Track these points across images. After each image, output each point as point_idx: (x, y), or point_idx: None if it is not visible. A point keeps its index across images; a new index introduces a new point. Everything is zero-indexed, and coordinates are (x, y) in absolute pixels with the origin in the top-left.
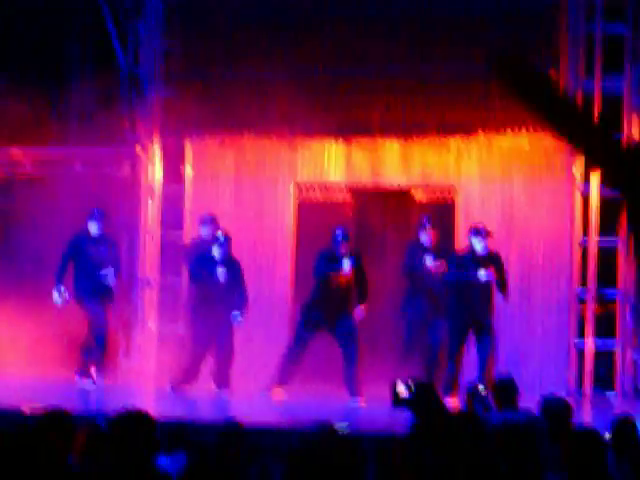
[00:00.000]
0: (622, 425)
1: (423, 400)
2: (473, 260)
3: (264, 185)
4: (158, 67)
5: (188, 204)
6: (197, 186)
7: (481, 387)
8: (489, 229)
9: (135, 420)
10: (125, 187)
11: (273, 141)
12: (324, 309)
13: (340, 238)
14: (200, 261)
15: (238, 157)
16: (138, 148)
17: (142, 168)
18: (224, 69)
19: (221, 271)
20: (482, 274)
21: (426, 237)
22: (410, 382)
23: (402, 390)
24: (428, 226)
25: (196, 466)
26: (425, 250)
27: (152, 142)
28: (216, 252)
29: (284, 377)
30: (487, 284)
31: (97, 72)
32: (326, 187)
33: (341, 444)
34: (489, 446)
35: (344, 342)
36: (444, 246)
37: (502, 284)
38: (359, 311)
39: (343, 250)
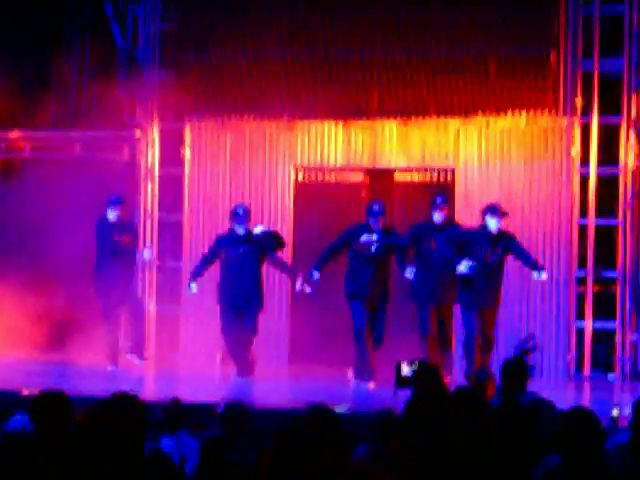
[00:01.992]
0: None
1: (425, 380)
2: (486, 238)
3: (263, 167)
4: (156, 49)
5: (187, 187)
6: (196, 169)
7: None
8: (504, 209)
9: (122, 403)
10: (124, 170)
11: (272, 123)
12: (367, 286)
13: (376, 211)
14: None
15: (237, 139)
16: (137, 132)
17: (141, 151)
18: (222, 51)
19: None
20: (463, 266)
21: (439, 216)
22: (414, 363)
23: (406, 371)
24: (442, 205)
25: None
26: (436, 229)
27: (151, 125)
28: (240, 229)
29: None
30: (497, 266)
31: (96, 55)
32: (325, 169)
33: (327, 425)
34: (489, 425)
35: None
36: (452, 226)
37: (530, 262)
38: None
39: (379, 224)
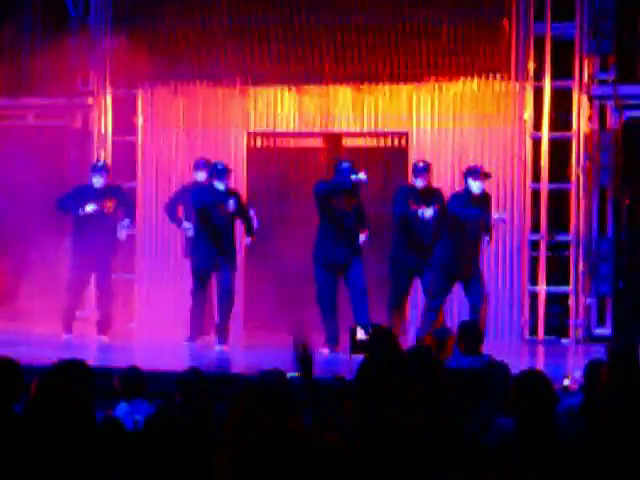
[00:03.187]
0: (594, 368)
1: (380, 344)
2: (470, 200)
3: (216, 134)
4: (108, 16)
5: (140, 154)
6: (149, 136)
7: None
8: (486, 170)
9: (70, 370)
10: (77, 138)
11: (225, 89)
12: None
13: (347, 169)
14: (206, 199)
15: (190, 106)
16: (90, 99)
17: (94, 119)
18: (174, 18)
19: (231, 202)
20: (428, 212)
21: (422, 182)
22: (368, 327)
23: (361, 335)
24: (424, 171)
25: (161, 414)
26: (418, 195)
27: (103, 92)
28: (221, 185)
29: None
30: (480, 227)
31: (47, 23)
32: (278, 135)
33: (280, 390)
34: (442, 387)
35: (354, 284)
36: (432, 191)
37: (489, 226)
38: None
39: (350, 183)
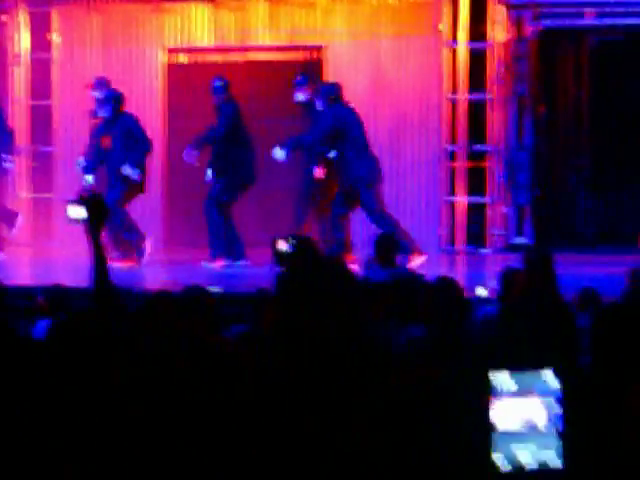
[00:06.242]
0: (510, 276)
1: (303, 255)
2: None
3: (132, 50)
4: None
5: (56, 72)
6: (65, 53)
7: None
8: None
9: None
10: None
11: (139, 5)
12: None
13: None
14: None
15: (105, 22)
16: (3, 16)
17: (8, 36)
18: None
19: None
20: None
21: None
22: (290, 238)
23: (283, 246)
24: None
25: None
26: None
27: (17, 9)
28: (101, 112)
29: None
30: None
31: None
32: (194, 50)
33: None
34: (355, 298)
35: None
36: None
37: None
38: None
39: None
